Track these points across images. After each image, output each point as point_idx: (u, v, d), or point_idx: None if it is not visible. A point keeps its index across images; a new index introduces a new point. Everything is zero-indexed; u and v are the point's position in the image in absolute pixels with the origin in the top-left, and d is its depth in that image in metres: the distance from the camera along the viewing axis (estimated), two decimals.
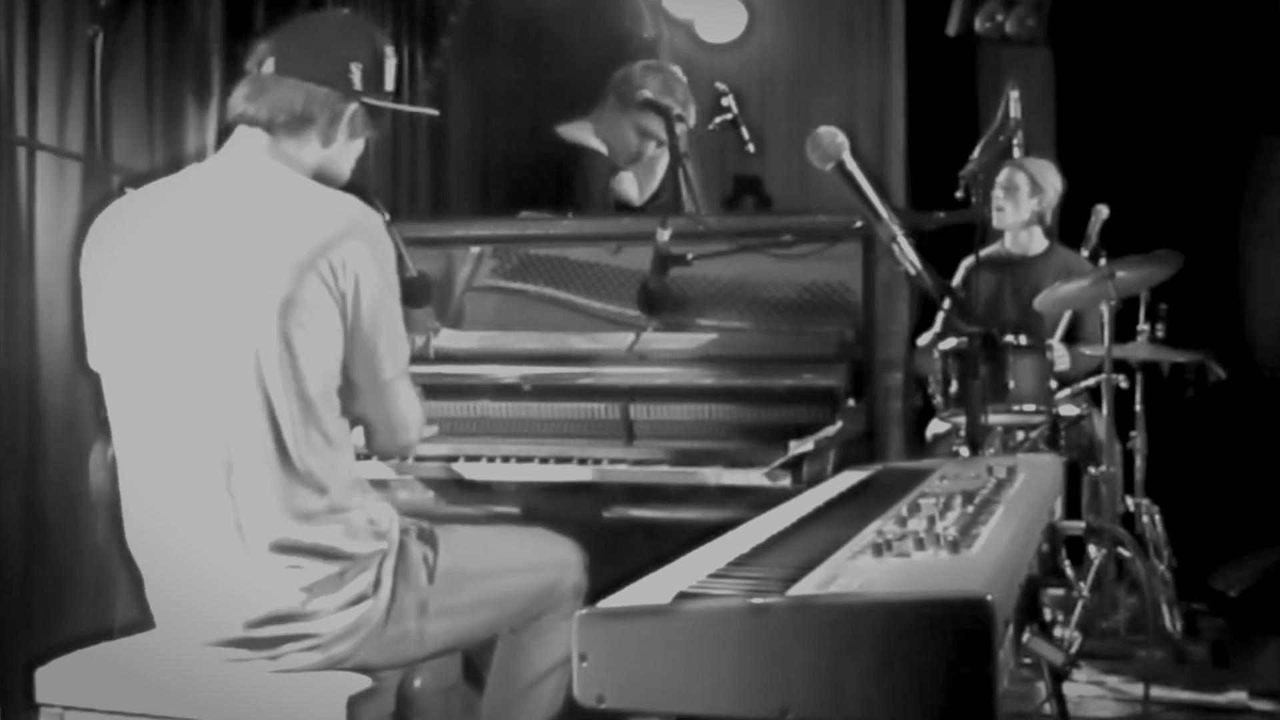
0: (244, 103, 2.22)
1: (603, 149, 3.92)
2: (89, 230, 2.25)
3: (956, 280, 4.80)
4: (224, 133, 2.28)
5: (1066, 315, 4.61)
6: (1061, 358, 4.37)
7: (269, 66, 2.22)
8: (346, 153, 2.29)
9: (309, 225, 2.10)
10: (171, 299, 2.12)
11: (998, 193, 4.81)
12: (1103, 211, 4.78)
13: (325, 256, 2.07)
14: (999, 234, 4.97)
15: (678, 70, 4.05)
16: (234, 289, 2.08)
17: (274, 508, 2.08)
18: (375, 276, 2.12)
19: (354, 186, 2.28)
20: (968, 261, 4.75)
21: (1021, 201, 4.80)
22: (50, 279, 3.57)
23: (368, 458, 2.49)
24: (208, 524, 2.10)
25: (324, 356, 2.10)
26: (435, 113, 2.48)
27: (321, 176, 2.24)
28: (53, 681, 2.20)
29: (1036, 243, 4.90)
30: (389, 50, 2.33)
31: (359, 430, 2.29)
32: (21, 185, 3.51)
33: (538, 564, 2.41)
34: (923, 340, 4.37)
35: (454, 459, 2.92)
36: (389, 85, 2.32)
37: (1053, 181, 4.84)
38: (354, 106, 2.24)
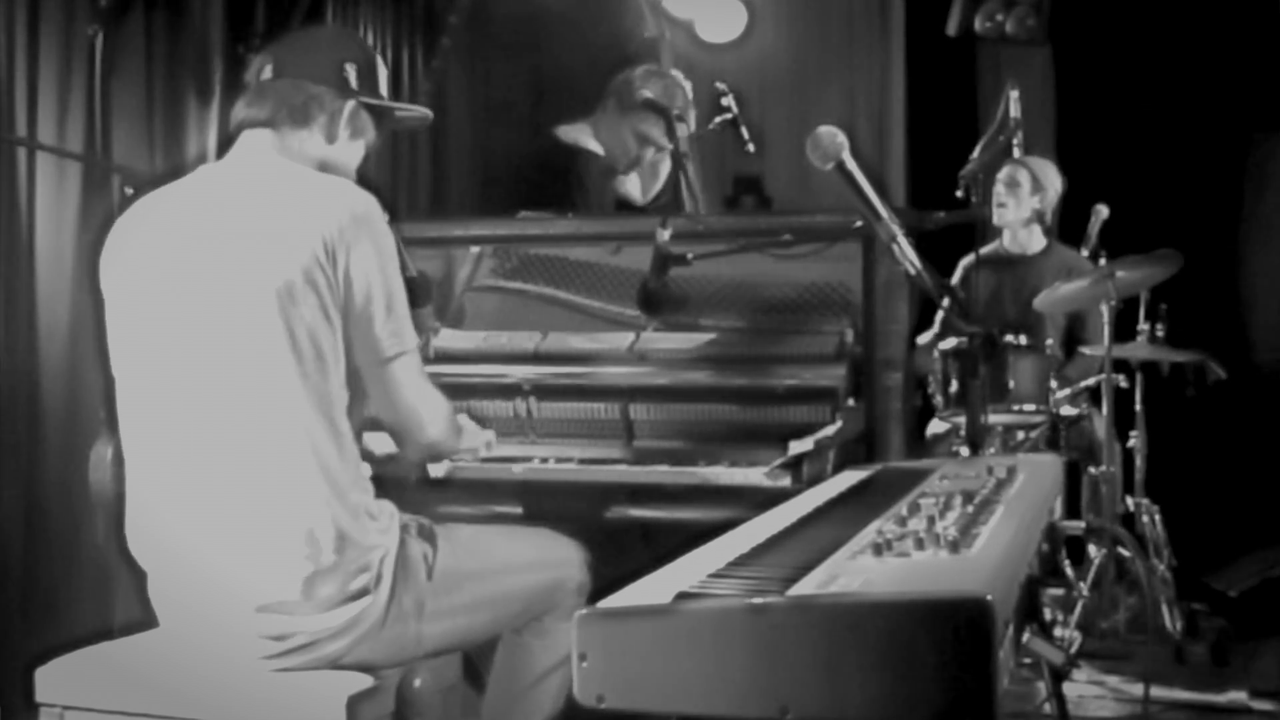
0: (246, 108, 2.30)
1: (599, 150, 3.93)
2: (107, 236, 2.28)
3: (955, 279, 4.80)
4: (226, 142, 2.34)
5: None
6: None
7: (267, 73, 2.30)
8: (350, 152, 2.35)
9: (303, 210, 2.13)
10: (178, 299, 2.14)
11: (999, 189, 4.81)
12: (1103, 211, 4.78)
13: (319, 239, 2.10)
14: (997, 234, 4.97)
15: (679, 76, 4.05)
16: (237, 282, 2.10)
17: (279, 497, 2.09)
18: (370, 256, 2.14)
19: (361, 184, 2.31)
20: (967, 260, 4.75)
21: (1023, 199, 4.81)
22: (50, 279, 3.57)
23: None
24: (211, 519, 2.11)
25: (324, 342, 2.11)
26: (429, 114, 2.53)
27: (327, 173, 2.29)
28: (53, 681, 2.20)
29: (1036, 241, 4.90)
30: (379, 59, 2.43)
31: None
32: (21, 185, 3.51)
33: (539, 563, 2.41)
34: (923, 339, 4.36)
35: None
36: (383, 88, 2.40)
37: (1054, 180, 4.84)
38: (352, 105, 2.32)
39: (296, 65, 2.30)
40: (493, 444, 2.63)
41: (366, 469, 2.23)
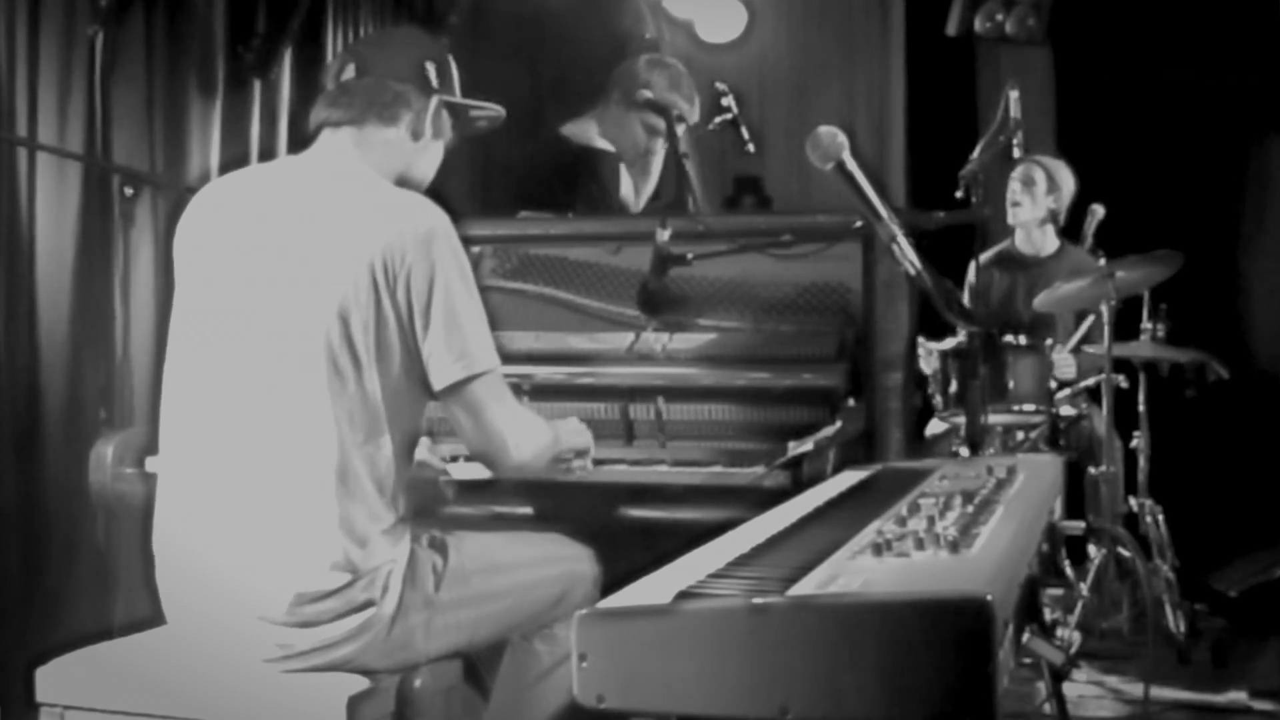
0: (328, 108, 2.28)
1: (610, 148, 3.90)
2: (184, 210, 2.28)
3: (969, 278, 4.80)
4: (300, 143, 2.32)
5: (1089, 320, 4.56)
6: (1067, 366, 4.37)
7: (350, 73, 2.28)
8: (432, 152, 2.35)
9: (370, 228, 2.11)
10: (238, 295, 2.14)
11: (1015, 187, 4.81)
12: (1098, 211, 4.78)
13: (382, 260, 2.09)
14: (1004, 234, 4.97)
15: (680, 64, 4.04)
16: (297, 290, 2.10)
17: (296, 517, 2.08)
18: (434, 278, 2.12)
19: (434, 193, 2.29)
20: (984, 257, 4.76)
21: (1039, 198, 4.82)
22: (50, 279, 3.57)
23: None
24: (226, 521, 2.11)
25: (382, 363, 2.10)
26: (502, 112, 2.51)
27: (409, 175, 2.29)
28: (53, 681, 2.20)
29: (1050, 243, 4.90)
30: (451, 58, 2.42)
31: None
32: (21, 185, 3.51)
33: (547, 578, 2.37)
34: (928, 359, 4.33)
35: (454, 459, 2.92)
36: (458, 88, 2.40)
37: (1067, 180, 4.85)
38: (435, 103, 2.31)
39: (380, 64, 2.29)
40: (589, 451, 2.53)
41: (399, 493, 2.19)
